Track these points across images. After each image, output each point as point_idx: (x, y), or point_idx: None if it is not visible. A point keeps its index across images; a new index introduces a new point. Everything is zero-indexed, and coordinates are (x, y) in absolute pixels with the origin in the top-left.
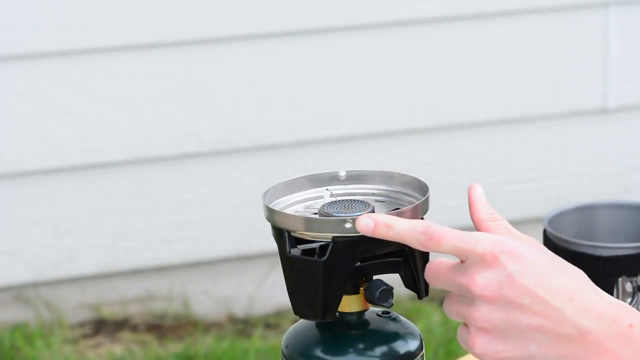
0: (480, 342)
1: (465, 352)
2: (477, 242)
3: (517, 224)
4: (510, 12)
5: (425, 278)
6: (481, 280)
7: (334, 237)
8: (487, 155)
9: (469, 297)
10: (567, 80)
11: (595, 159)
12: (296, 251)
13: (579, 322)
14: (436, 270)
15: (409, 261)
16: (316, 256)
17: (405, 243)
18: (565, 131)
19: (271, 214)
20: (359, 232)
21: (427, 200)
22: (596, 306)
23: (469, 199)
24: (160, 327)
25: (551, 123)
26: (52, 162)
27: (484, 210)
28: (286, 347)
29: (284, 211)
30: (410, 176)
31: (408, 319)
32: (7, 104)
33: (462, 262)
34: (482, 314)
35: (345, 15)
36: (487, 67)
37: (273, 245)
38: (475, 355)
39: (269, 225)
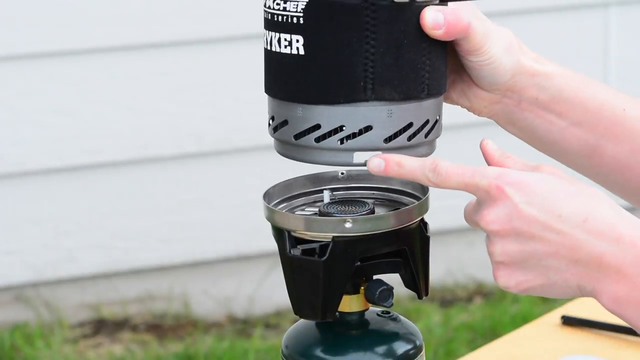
0: (502, 275)
1: (465, 353)
2: (482, 176)
3: None
4: (510, 12)
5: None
6: (489, 216)
7: (334, 237)
8: None
9: (486, 234)
10: None
11: None
12: (296, 251)
13: (593, 245)
14: (465, 213)
15: (409, 261)
16: (316, 256)
17: (416, 180)
18: None
19: (271, 214)
20: (359, 232)
21: (427, 200)
22: (613, 228)
23: (483, 153)
24: (160, 327)
25: None
26: (52, 162)
27: (497, 154)
28: (286, 347)
29: (284, 211)
30: None
31: (408, 319)
32: (7, 104)
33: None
34: (497, 248)
35: None
36: None
37: (273, 245)
38: (502, 287)
39: (269, 225)
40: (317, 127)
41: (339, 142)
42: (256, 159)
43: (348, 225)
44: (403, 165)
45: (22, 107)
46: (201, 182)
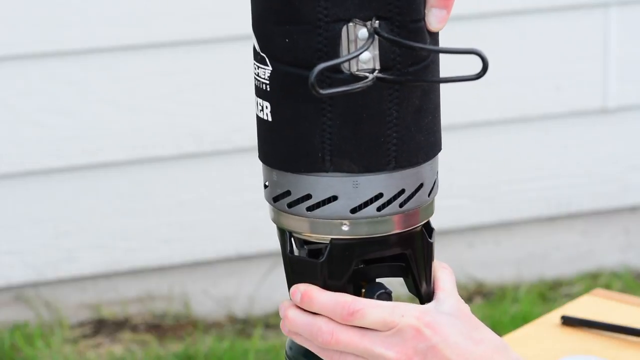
0: None
1: None
2: (404, 313)
3: (517, 224)
4: (510, 12)
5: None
6: (408, 352)
7: (331, 240)
8: (487, 155)
9: None
10: (567, 80)
11: (595, 158)
12: (296, 252)
13: None
14: (354, 342)
15: (410, 266)
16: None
17: (330, 315)
18: (565, 131)
19: (277, 215)
20: (357, 235)
21: (431, 205)
22: None
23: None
24: (160, 327)
25: (551, 123)
26: (52, 162)
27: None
28: (290, 347)
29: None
30: None
31: None
32: (7, 104)
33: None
34: None
35: None
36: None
37: (273, 245)
38: None
39: (269, 225)
40: (288, 193)
41: (306, 210)
42: (256, 159)
43: (345, 228)
44: (315, 299)
45: (22, 107)
46: (201, 182)
